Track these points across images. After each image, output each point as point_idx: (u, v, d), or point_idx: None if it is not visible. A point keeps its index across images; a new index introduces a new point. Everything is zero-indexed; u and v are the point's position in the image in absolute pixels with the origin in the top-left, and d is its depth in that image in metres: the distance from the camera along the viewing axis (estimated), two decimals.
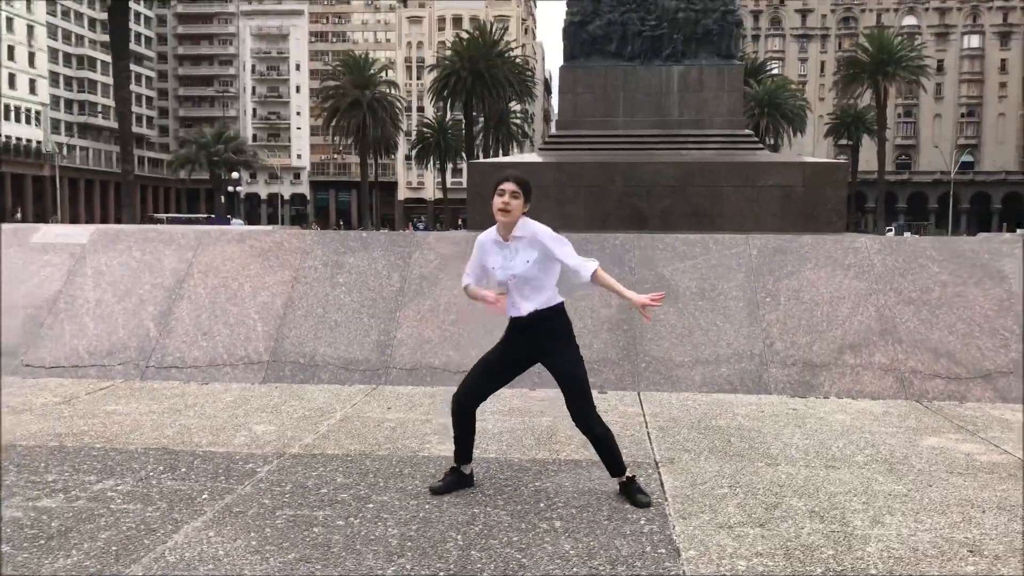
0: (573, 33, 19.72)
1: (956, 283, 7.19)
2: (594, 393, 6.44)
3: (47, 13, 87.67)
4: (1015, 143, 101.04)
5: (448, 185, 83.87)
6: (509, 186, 3.95)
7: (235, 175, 60.35)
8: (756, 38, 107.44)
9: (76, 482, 4.22)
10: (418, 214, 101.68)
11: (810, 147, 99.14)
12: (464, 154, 67.06)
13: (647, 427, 5.50)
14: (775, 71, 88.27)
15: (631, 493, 4.00)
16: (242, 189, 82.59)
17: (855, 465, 4.65)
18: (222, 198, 74.18)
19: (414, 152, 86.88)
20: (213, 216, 64.88)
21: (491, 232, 4.07)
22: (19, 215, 68.64)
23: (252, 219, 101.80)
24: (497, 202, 3.96)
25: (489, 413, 5.80)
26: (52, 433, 5.16)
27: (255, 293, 7.49)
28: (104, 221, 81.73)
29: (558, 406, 5.69)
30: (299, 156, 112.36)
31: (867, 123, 77.47)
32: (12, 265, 7.80)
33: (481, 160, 26.12)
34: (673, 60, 19.36)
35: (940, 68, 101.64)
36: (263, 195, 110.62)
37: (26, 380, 6.77)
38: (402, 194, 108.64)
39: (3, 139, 78.25)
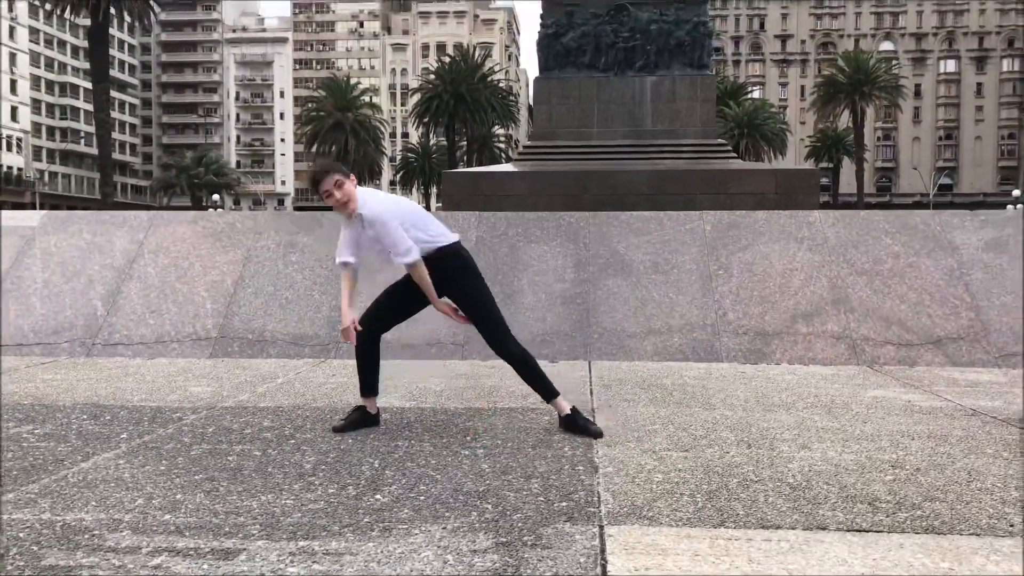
0: (547, 45, 19.83)
1: (908, 254, 7.20)
2: (544, 363, 6.39)
3: (30, 41, 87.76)
4: (992, 165, 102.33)
5: (432, 209, 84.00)
6: (323, 187, 3.93)
7: (216, 198, 60.11)
8: (737, 63, 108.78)
9: None
10: None
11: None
12: None
13: (591, 385, 5.44)
14: (755, 94, 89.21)
15: (578, 425, 3.92)
16: (223, 212, 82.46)
17: (794, 409, 4.61)
18: None
19: (399, 176, 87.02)
20: None
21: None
22: None
23: None
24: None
25: (435, 378, 5.73)
26: None
27: (205, 272, 7.41)
28: None
29: (508, 372, 5.63)
30: (283, 182, 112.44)
31: (847, 145, 78.24)
32: None
33: (456, 170, 26.15)
34: (646, 71, 19.51)
35: (918, 92, 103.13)
36: None
37: None
38: None
39: None
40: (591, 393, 5.14)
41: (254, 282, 7.33)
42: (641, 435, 3.94)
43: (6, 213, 8.24)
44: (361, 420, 4.10)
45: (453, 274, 4.05)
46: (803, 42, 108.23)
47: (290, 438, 3.91)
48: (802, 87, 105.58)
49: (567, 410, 3.99)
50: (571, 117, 19.47)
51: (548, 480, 3.17)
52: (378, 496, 2.97)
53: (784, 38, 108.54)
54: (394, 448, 3.69)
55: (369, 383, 4.15)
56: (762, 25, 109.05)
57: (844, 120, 72.94)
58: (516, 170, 18.81)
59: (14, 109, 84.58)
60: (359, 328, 4.04)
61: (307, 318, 7.04)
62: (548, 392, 4.02)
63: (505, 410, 4.58)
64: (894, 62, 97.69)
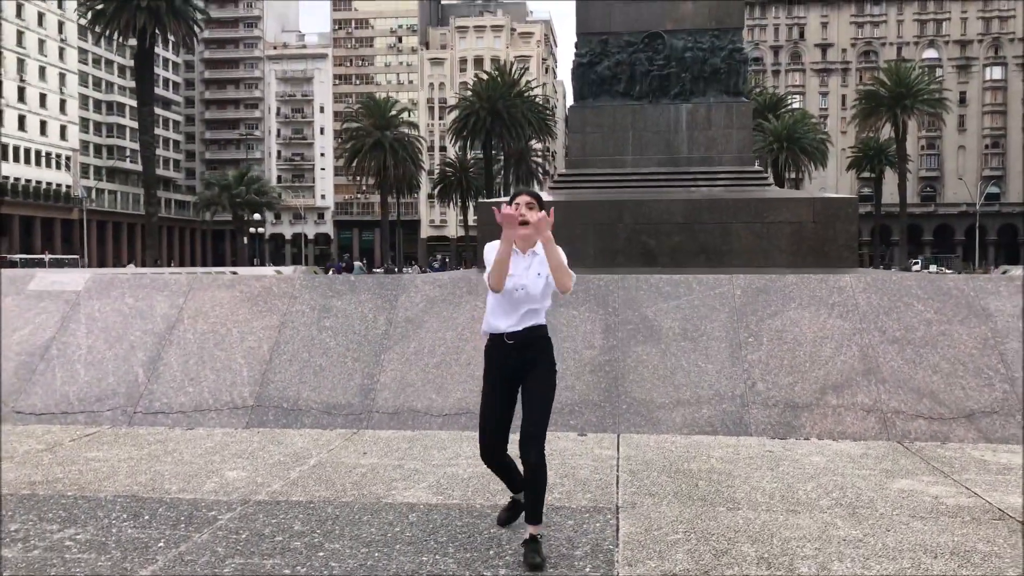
0: (581, 74, 19.89)
1: (941, 321, 7.14)
2: (573, 435, 6.48)
3: (79, 61, 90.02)
4: None
5: (470, 223, 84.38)
6: (524, 199, 3.99)
7: (256, 216, 61.15)
8: (776, 73, 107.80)
9: (37, 531, 4.29)
10: (441, 252, 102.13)
11: (833, 180, 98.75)
12: (485, 192, 67.62)
13: (618, 471, 5.49)
14: (796, 105, 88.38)
15: (529, 551, 3.80)
16: (264, 230, 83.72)
17: (817, 509, 4.62)
18: (244, 239, 75.12)
19: (436, 190, 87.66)
20: (342, 264, 57.46)
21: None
22: (47, 257, 69.76)
23: (276, 259, 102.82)
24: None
25: (463, 458, 5.83)
26: (27, 481, 5.25)
27: (242, 338, 7.59)
28: (131, 262, 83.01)
29: None
30: (323, 196, 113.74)
31: (889, 156, 77.12)
32: (8, 312, 7.97)
33: (490, 200, 26.30)
34: (681, 99, 19.45)
35: (963, 100, 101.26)
36: (288, 235, 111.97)
37: (15, 427, 6.89)
38: (425, 232, 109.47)
39: (35, 184, 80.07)
40: (617, 483, 5.19)
41: (289, 348, 7.50)
42: (662, 549, 3.99)
43: (52, 276, 8.52)
44: (518, 512, 4.29)
45: (542, 356, 4.04)
46: (844, 51, 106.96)
47: (319, 548, 4.02)
48: (843, 96, 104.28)
49: (530, 535, 3.87)
50: (605, 145, 19.50)
51: None
52: None
53: (824, 47, 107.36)
54: (419, 565, 3.79)
55: (513, 484, 4.25)
56: (802, 34, 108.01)
57: (887, 131, 71.88)
58: (550, 199, 18.88)
59: (63, 128, 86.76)
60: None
61: (340, 386, 7.19)
62: (537, 515, 3.87)
63: None
64: (938, 70, 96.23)
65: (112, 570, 3.74)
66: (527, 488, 3.94)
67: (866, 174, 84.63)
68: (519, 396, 4.10)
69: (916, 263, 72.02)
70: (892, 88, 63.77)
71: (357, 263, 56.10)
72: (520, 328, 3.97)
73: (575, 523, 4.41)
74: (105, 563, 3.84)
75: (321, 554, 3.95)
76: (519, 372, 4.03)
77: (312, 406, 7.03)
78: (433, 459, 5.80)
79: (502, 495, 4.94)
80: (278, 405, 7.06)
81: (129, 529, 4.32)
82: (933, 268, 65.11)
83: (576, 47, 19.99)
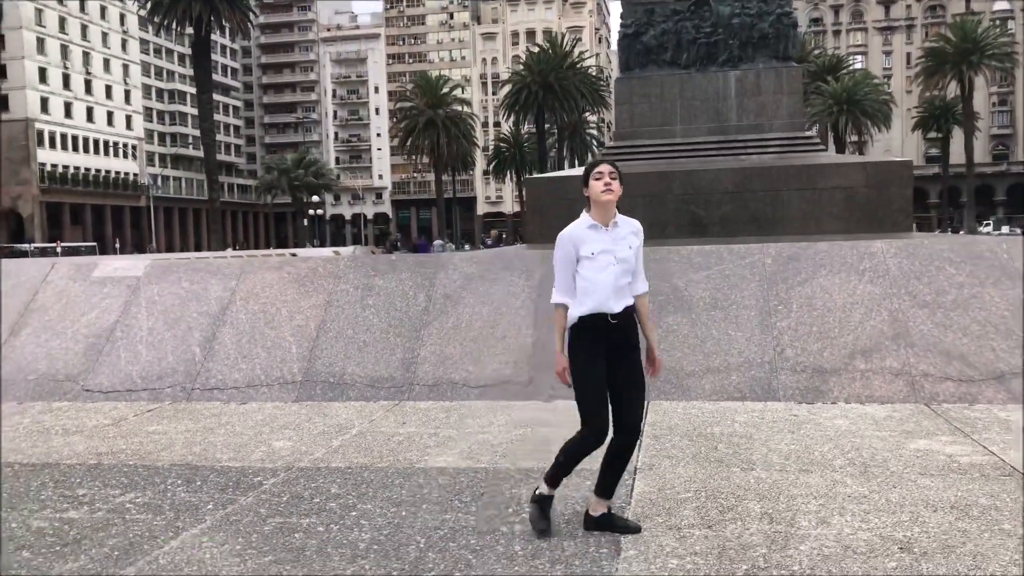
0: (627, 45, 19.84)
1: (972, 284, 7.15)
2: None
3: (140, 52, 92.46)
4: None
5: (525, 198, 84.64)
6: (607, 167, 3.81)
7: (315, 199, 62.39)
8: (837, 33, 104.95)
9: (102, 496, 4.71)
10: (498, 228, 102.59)
11: (898, 142, 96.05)
12: (539, 166, 67.64)
13: (641, 436, 5.70)
14: (857, 66, 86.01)
15: (620, 522, 3.92)
16: (324, 211, 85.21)
17: (829, 469, 4.78)
18: (304, 221, 76.70)
19: (491, 167, 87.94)
20: (424, 241, 56.65)
21: (582, 221, 3.87)
22: (117, 244, 72.24)
23: (337, 240, 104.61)
24: (598, 185, 3.78)
25: (496, 427, 6.11)
26: (94, 452, 5.71)
27: (291, 317, 8.00)
28: (197, 247, 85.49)
29: (564, 416, 5.95)
30: (380, 176, 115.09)
31: (956, 115, 74.60)
32: (76, 298, 8.52)
33: (537, 175, 26.35)
34: (729, 66, 19.31)
35: None
36: (347, 216, 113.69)
37: (85, 404, 7.41)
38: (481, 208, 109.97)
39: (104, 174, 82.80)
40: (639, 447, 5.41)
41: (335, 326, 7.88)
42: (671, 506, 4.22)
43: (115, 262, 9.04)
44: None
45: (629, 339, 3.88)
46: (908, 6, 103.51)
47: (352, 509, 4.35)
48: (908, 55, 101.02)
49: (608, 508, 3.94)
50: (653, 116, 19.46)
51: (571, 566, 3.51)
52: None
53: (887, 4, 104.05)
54: (441, 523, 4.09)
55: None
56: None
57: (953, 89, 69.51)
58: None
59: (129, 118, 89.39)
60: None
61: (383, 360, 7.53)
62: (610, 490, 3.93)
63: None
64: (1010, 23, 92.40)
65: (166, 528, 4.13)
66: (618, 465, 3.92)
67: (933, 134, 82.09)
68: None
69: (988, 224, 69.45)
70: (958, 44, 61.59)
71: (438, 241, 55.57)
72: (623, 307, 3.84)
73: (592, 483, 4.65)
74: (160, 522, 4.23)
75: (353, 513, 4.28)
76: (617, 351, 3.85)
77: (357, 380, 7.40)
78: (467, 427, 6.10)
79: (527, 458, 5.21)
80: (325, 380, 7.44)
81: (182, 493, 4.72)
82: (1005, 229, 62.64)
83: (622, 17, 19.94)
